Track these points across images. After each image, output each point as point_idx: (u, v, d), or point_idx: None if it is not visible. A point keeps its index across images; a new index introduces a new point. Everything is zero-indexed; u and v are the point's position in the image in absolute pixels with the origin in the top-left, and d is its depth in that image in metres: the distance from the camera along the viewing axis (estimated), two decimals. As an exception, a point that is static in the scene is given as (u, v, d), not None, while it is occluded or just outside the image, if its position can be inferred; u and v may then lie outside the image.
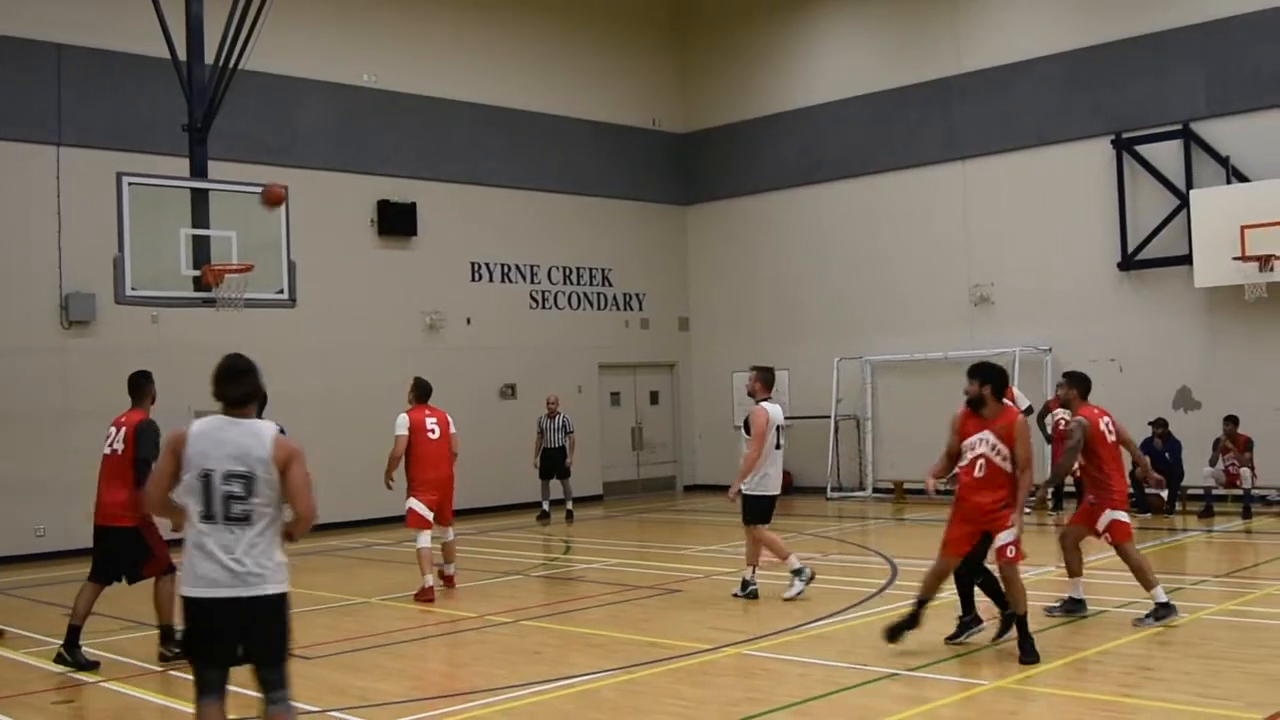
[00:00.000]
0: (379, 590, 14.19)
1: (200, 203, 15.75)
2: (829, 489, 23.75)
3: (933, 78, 23.28)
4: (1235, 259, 18.92)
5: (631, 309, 25.97)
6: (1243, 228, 18.96)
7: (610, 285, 25.57)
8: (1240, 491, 18.19)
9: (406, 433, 13.72)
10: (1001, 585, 9.56)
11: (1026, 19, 22.31)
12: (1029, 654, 9.08)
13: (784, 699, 8.36)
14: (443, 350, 22.50)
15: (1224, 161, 19.86)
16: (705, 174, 26.88)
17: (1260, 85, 19.69)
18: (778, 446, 12.44)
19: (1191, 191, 19.95)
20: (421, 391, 14.22)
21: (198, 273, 15.34)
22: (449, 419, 14.13)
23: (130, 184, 14.88)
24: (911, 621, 9.68)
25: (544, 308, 24.37)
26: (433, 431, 13.84)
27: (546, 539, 19.33)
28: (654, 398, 26.61)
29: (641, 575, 14.75)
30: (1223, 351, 19.88)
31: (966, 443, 9.53)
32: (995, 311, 22.36)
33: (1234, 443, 18.43)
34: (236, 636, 5.93)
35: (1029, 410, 19.91)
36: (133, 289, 14.88)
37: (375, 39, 22.16)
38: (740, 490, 12.44)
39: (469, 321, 23.03)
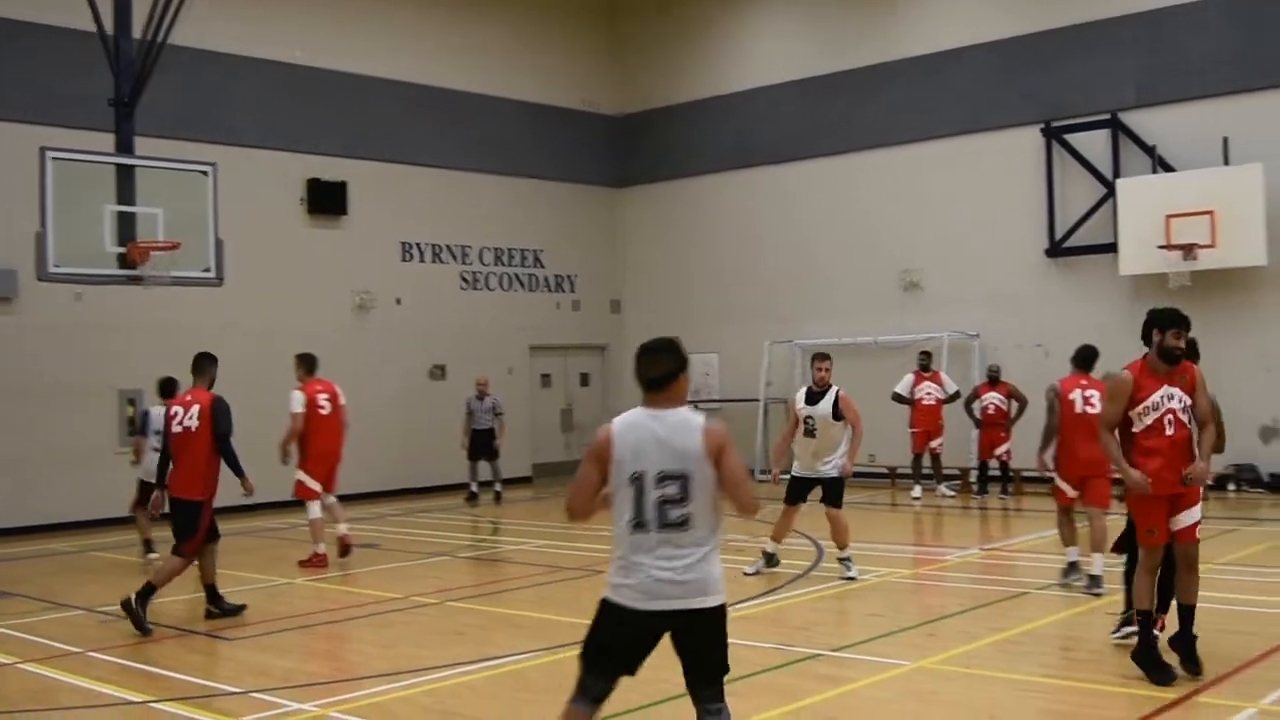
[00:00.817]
0: (304, 571, 14.07)
1: (126, 179, 15.50)
2: (758, 471, 23.84)
3: (866, 63, 23.37)
4: (1160, 247, 19.18)
5: (563, 291, 25.91)
6: (1168, 217, 19.23)
7: (542, 267, 25.49)
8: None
9: (303, 409, 13.82)
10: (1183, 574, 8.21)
11: (960, 6, 22.45)
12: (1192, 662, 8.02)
13: (708, 679, 8.36)
14: (372, 331, 22.35)
15: (1150, 151, 20.12)
16: (639, 157, 26.85)
17: (1187, 76, 19.94)
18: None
19: (1118, 180, 20.19)
20: (310, 366, 14.25)
21: (123, 250, 15.12)
22: (339, 391, 14.15)
23: (54, 159, 14.65)
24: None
25: (475, 289, 24.25)
26: (324, 407, 13.90)
27: (474, 520, 19.28)
28: (584, 379, 26.58)
29: (569, 556, 14.73)
30: (1145, 339, 20.11)
31: (1150, 402, 8.06)
32: (924, 297, 22.53)
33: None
34: (643, 651, 5.45)
35: (956, 395, 20.22)
36: (55, 266, 14.64)
37: (307, 16, 21.91)
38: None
39: (399, 302, 22.87)
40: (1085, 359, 11.97)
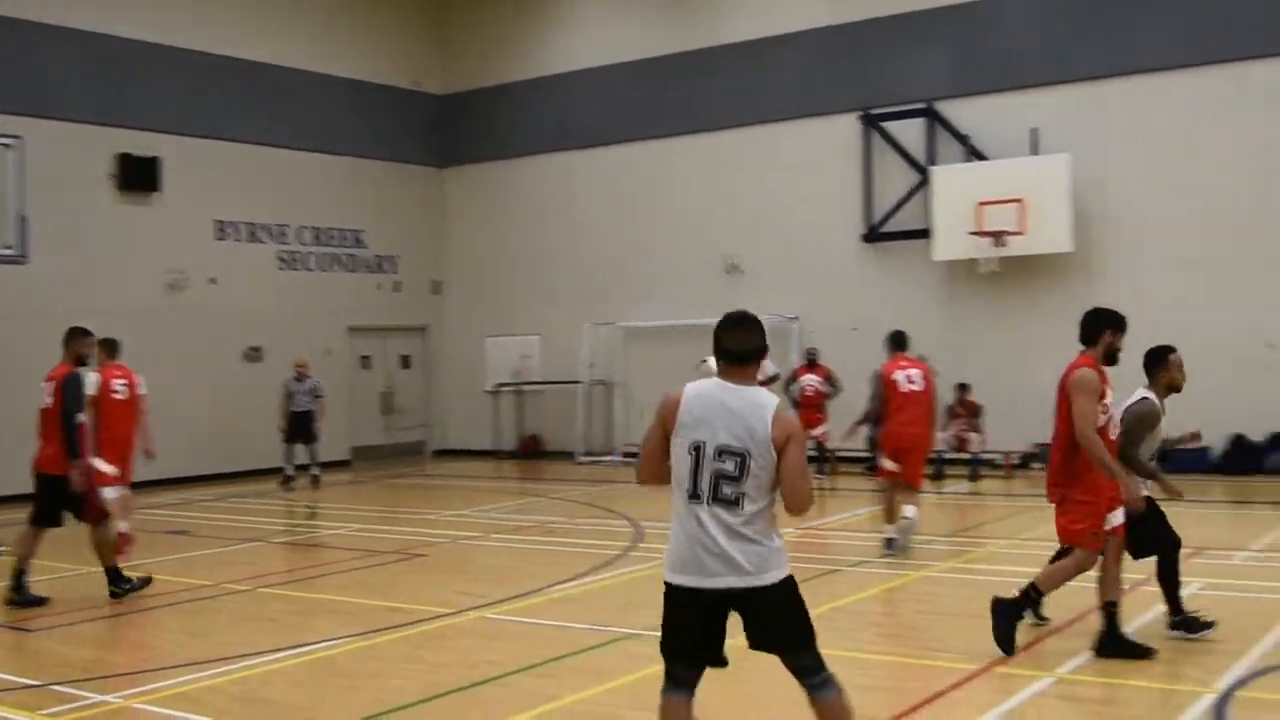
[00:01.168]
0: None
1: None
2: (578, 453, 23.90)
3: (691, 48, 23.50)
4: (971, 234, 19.73)
5: (384, 271, 25.52)
6: (979, 204, 19.79)
7: (363, 247, 25.06)
8: (969, 455, 19.03)
9: (96, 392, 13.34)
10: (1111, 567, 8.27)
11: (783, -7, 22.76)
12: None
13: (523, 661, 8.35)
14: (185, 311, 21.69)
15: (963, 140, 20.67)
16: (463, 137, 26.58)
17: (999, 68, 20.52)
18: None
19: (932, 168, 20.70)
20: (110, 350, 13.78)
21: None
22: (137, 379, 13.73)
23: None
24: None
25: (293, 269, 23.72)
26: (119, 392, 13.46)
27: (290, 504, 18.90)
28: (405, 361, 26.22)
29: (386, 540, 14.53)
30: (958, 322, 20.70)
31: (1109, 401, 8.04)
32: (746, 280, 22.78)
33: (964, 409, 19.25)
34: (714, 631, 5.24)
35: (775, 377, 20.44)
36: None
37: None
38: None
39: (213, 282, 22.22)
40: (899, 341, 12.50)
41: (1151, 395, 8.40)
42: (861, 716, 6.70)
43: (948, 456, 19.24)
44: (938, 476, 18.83)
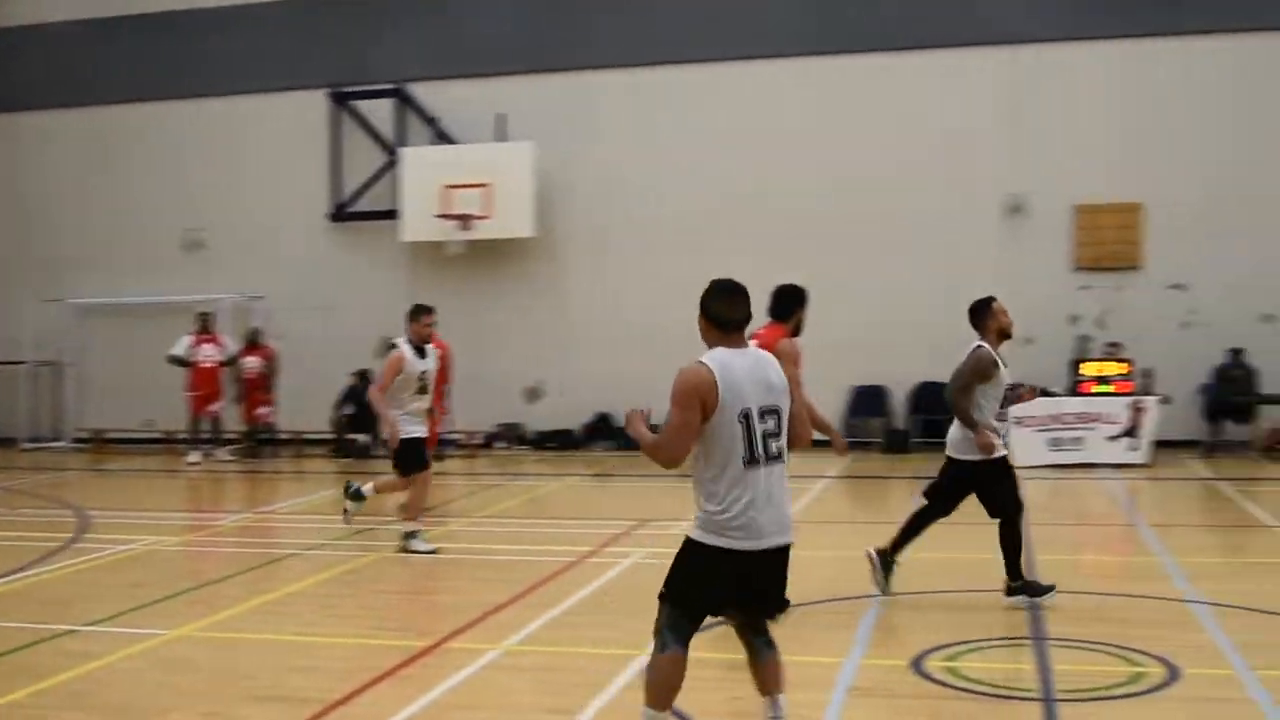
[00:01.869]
0: None
1: None
2: (22, 439, 22.15)
3: (155, 9, 22.23)
4: (438, 216, 19.93)
5: None
6: (446, 187, 20.02)
7: None
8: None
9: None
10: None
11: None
12: None
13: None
14: None
15: (432, 123, 20.84)
16: None
17: (468, 54, 20.85)
18: None
19: (401, 149, 20.73)
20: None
21: None
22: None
23: None
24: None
25: None
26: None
27: None
28: None
29: None
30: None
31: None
32: (209, 257, 21.99)
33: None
34: (762, 586, 5.40)
35: (236, 357, 19.92)
36: None
37: None
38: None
39: None
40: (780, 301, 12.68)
41: (985, 345, 8.64)
42: (309, 699, 6.64)
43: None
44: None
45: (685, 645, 5.42)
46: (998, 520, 8.58)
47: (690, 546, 5.43)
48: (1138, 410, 16.94)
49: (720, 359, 5.36)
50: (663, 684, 5.40)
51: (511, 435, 20.44)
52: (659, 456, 5.44)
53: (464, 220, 19.90)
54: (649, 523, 12.61)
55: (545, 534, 10.58)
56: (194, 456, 19.20)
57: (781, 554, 5.41)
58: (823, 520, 12.97)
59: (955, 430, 8.69)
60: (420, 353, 11.15)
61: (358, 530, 12.15)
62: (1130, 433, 16.98)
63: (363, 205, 21.21)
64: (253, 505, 15.68)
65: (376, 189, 21.11)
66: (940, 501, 8.82)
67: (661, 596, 5.50)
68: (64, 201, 22.75)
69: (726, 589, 5.40)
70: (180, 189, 22.13)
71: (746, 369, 5.37)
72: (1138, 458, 16.75)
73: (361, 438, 19.46)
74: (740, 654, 5.63)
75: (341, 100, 21.32)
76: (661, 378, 19.56)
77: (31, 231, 22.87)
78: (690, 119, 20.15)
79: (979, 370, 8.55)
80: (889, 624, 8.20)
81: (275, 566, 10.73)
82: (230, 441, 20.03)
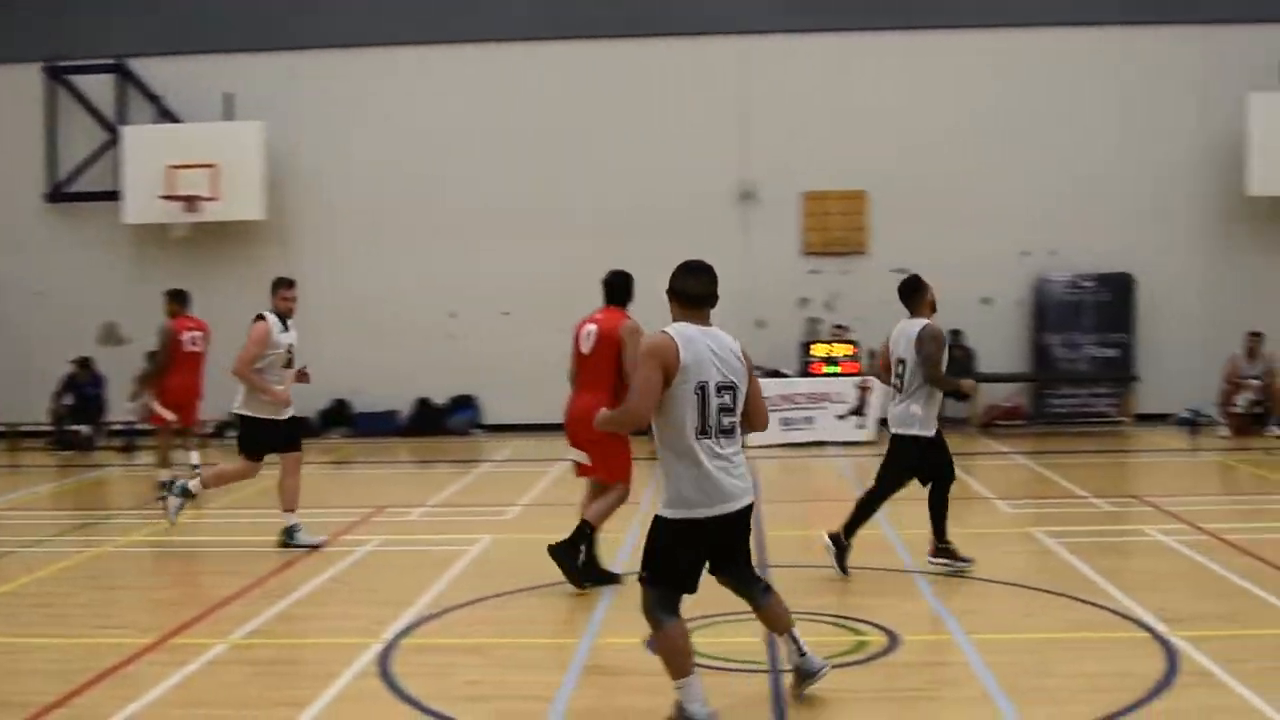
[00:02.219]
0: None
1: None
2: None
3: None
4: (163, 198, 19.18)
5: None
6: (171, 167, 19.27)
7: None
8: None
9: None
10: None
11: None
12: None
13: None
14: None
15: (156, 100, 20.04)
16: None
17: (194, 29, 20.10)
18: None
19: (124, 128, 19.87)
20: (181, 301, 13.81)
21: None
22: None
23: None
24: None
25: None
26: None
27: None
28: None
29: None
30: (150, 288, 19.98)
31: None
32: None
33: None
34: (728, 544, 5.81)
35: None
36: None
37: None
38: None
39: None
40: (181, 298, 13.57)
41: (928, 320, 8.91)
42: (26, 703, 6.29)
43: (138, 428, 18.58)
44: (129, 449, 18.17)
45: (678, 613, 5.66)
46: (930, 486, 9.00)
47: (659, 524, 5.71)
48: (864, 390, 17.61)
49: (683, 331, 5.65)
50: (676, 652, 5.64)
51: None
52: (629, 416, 5.74)
53: (190, 202, 19.19)
54: (385, 509, 12.46)
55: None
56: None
57: (744, 514, 5.74)
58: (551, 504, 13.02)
59: (900, 409, 9.03)
60: (284, 325, 10.69)
61: (81, 525, 11.61)
62: (857, 411, 17.65)
63: (81, 185, 20.22)
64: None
65: (96, 169, 20.14)
66: (891, 480, 9.08)
67: (642, 579, 5.70)
68: None
69: (698, 556, 5.71)
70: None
71: (709, 346, 5.65)
72: (865, 435, 17.43)
73: (84, 429, 18.57)
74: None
75: (57, 75, 20.27)
76: (400, 364, 19.68)
77: None
78: (419, 100, 19.95)
79: (941, 342, 8.97)
80: (625, 603, 8.31)
81: (-14, 565, 10.14)
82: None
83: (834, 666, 6.25)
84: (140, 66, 20.26)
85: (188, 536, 11.19)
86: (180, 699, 6.42)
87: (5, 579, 9.50)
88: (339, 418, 19.87)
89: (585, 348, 8.77)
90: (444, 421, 19.85)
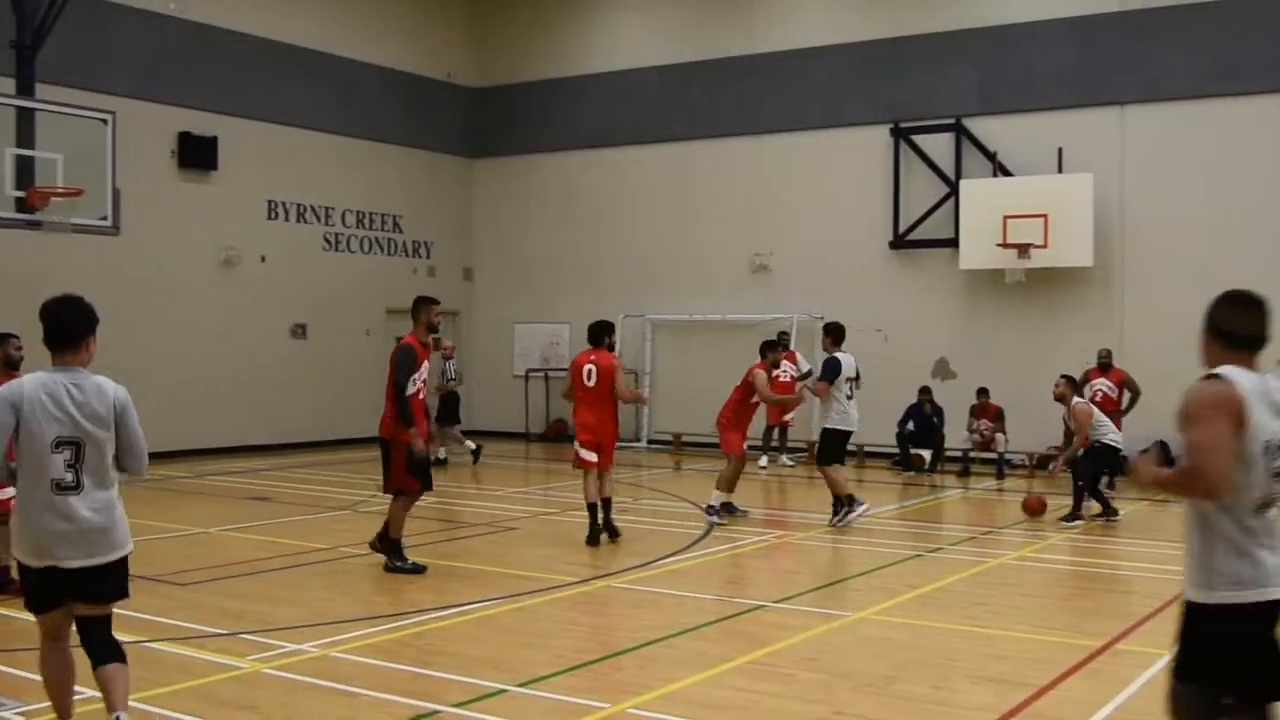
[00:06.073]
0: (210, 521, 14.41)
1: (25, 123, 15.54)
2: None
3: (726, 55, 24.38)
4: (998, 245, 20.75)
5: (420, 256, 26.30)
6: (1005, 217, 20.81)
7: (400, 232, 25.84)
8: (994, 455, 20.00)
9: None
10: None
11: (818, 5, 23.67)
12: None
13: (675, 626, 9.20)
14: (236, 287, 22.43)
15: (991, 156, 21.70)
16: (494, 129, 27.35)
17: (1027, 89, 21.56)
18: (849, 396, 14.73)
19: (961, 181, 21.72)
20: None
21: (22, 194, 15.17)
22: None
23: (-44, 99, 14.66)
24: None
25: (336, 250, 24.46)
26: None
27: (348, 476, 19.52)
28: (437, 344, 26.91)
29: (469, 513, 15.39)
30: (978, 328, 21.74)
31: None
32: (773, 280, 23.76)
33: (985, 412, 20.27)
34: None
35: (809, 373, 21.53)
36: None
37: (181, -32, 21.78)
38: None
39: (263, 259, 22.96)
40: (595, 334, 13.53)
41: None
42: (1025, 683, 7.66)
43: (972, 455, 20.25)
44: (965, 474, 19.85)
45: None
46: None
47: (1208, 614, 4.46)
48: None
49: (1250, 383, 4.48)
50: None
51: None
52: (1199, 485, 4.37)
53: (1022, 249, 20.62)
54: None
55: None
56: (763, 461, 20.95)
57: None
58: None
59: None
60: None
61: (968, 538, 13.16)
62: None
63: (921, 234, 22.33)
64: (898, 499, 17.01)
65: (935, 218, 22.15)
66: None
67: (1185, 678, 4.48)
68: (642, 227, 25.22)
69: (1268, 655, 4.42)
70: (748, 217, 24.04)
71: (1264, 395, 4.49)
72: None
73: (924, 453, 20.50)
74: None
75: (902, 134, 22.55)
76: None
77: (615, 254, 25.49)
78: (1253, 150, 19.93)
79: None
80: None
81: (915, 563, 11.92)
82: (794, 450, 21.64)
83: None
84: (975, 125, 22.03)
85: (1058, 556, 12.44)
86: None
87: (929, 579, 11.21)
88: (1161, 461, 20.30)
89: (590, 381, 12.83)
90: None
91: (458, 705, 7.16)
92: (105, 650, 6.11)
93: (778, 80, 23.83)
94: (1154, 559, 12.42)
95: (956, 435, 20.33)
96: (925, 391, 20.70)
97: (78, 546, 5.92)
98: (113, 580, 6.11)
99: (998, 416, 20.19)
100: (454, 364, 21.31)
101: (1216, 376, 4.48)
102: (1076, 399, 15.02)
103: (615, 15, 26.09)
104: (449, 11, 27.00)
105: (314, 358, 22.33)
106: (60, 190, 15.32)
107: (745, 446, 14.96)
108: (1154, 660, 8.20)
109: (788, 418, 21.18)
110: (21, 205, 15.32)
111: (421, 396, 11.47)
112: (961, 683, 7.77)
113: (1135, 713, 7.15)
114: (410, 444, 11.25)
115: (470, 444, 21.17)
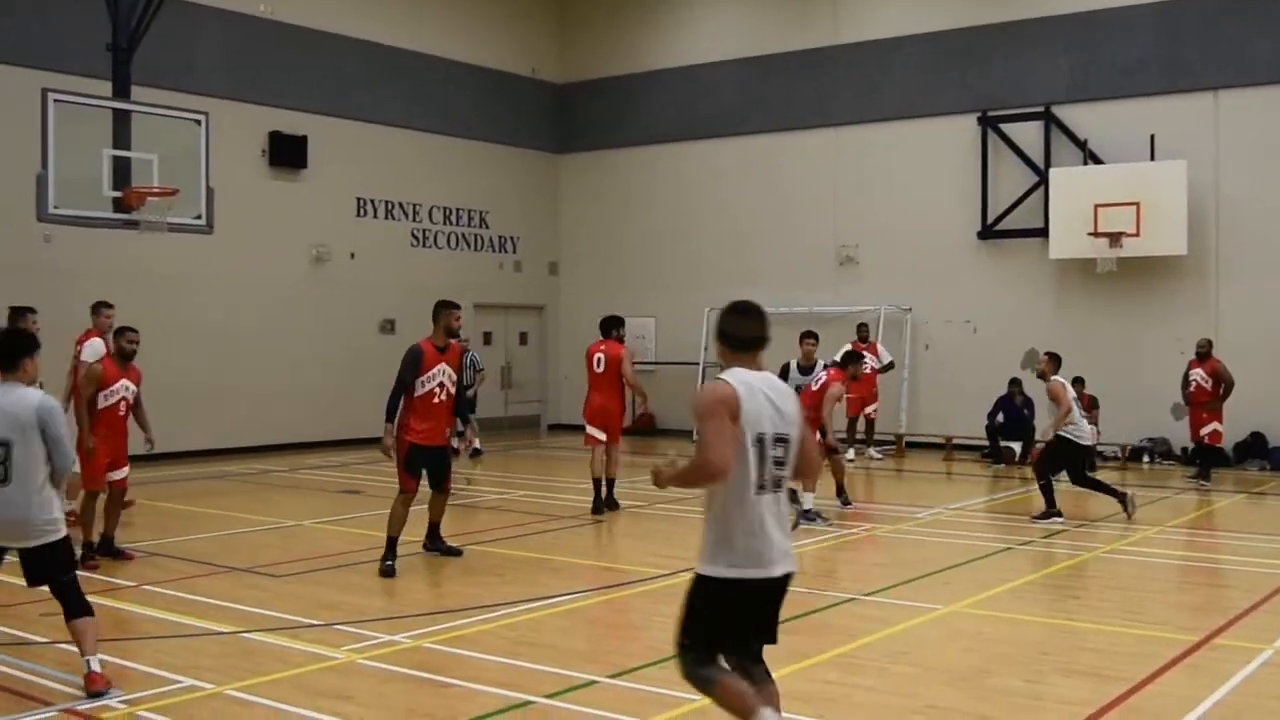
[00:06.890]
0: (303, 514, 14.61)
1: (122, 125, 15.83)
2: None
3: (809, 46, 24.28)
4: (1089, 234, 20.48)
5: (506, 251, 26.51)
6: (1096, 206, 20.53)
7: (487, 227, 26.07)
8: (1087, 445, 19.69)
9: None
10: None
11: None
12: None
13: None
14: (326, 283, 22.76)
15: (1082, 144, 21.40)
16: (579, 124, 27.49)
17: (1117, 76, 21.25)
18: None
19: (1050, 170, 21.46)
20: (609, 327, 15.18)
21: (119, 194, 15.45)
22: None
23: (56, 101, 14.95)
24: None
25: (424, 246, 24.74)
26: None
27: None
28: (523, 338, 27.25)
29: (558, 505, 15.47)
30: (1069, 318, 21.45)
31: None
32: (860, 271, 23.63)
33: (1080, 403, 19.96)
34: (765, 614, 5.35)
35: (891, 365, 21.47)
36: (55, 207, 14.98)
37: (270, -31, 22.12)
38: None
39: (353, 256, 23.27)
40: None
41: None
42: (1121, 678, 7.58)
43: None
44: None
45: (720, 667, 5.27)
46: None
47: (702, 582, 5.25)
48: None
49: (743, 378, 5.16)
50: (736, 697, 5.20)
51: (1158, 449, 20.59)
52: (707, 469, 5.06)
53: (1114, 238, 20.32)
54: None
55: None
56: (849, 454, 20.81)
57: (785, 581, 5.25)
58: None
59: None
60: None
61: (1055, 531, 13.00)
62: None
63: (1011, 223, 22.08)
64: (946, 501, 16.87)
65: (1024, 208, 21.89)
66: None
67: (682, 646, 5.32)
68: (727, 220, 25.21)
69: (741, 619, 5.23)
70: (834, 208, 23.94)
71: (766, 394, 5.16)
72: None
73: (1014, 445, 20.28)
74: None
75: (990, 123, 22.31)
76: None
77: (699, 247, 25.51)
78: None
79: None
80: None
81: (1000, 558, 11.82)
82: (881, 442, 21.53)
83: None
84: (1065, 113, 21.73)
85: (1151, 549, 12.26)
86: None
87: (1020, 573, 11.10)
88: (1254, 450, 19.99)
89: (599, 368, 14.50)
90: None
91: (550, 696, 7.22)
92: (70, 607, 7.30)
93: (860, 71, 23.71)
94: (1251, 552, 12.23)
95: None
96: (1015, 383, 20.47)
97: (3, 534, 7.19)
98: (35, 564, 7.24)
99: (1091, 406, 19.89)
100: (470, 355, 20.72)
101: (719, 378, 5.21)
102: (1054, 376, 14.61)
103: (695, 9, 26.06)
104: (533, 8, 27.15)
105: (403, 353, 22.41)
106: (156, 190, 15.55)
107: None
108: (1255, 655, 8.09)
109: (869, 410, 21.01)
110: (119, 205, 15.57)
111: (440, 399, 11.58)
112: (1055, 676, 7.70)
113: (1235, 708, 7.06)
114: (411, 442, 11.55)
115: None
